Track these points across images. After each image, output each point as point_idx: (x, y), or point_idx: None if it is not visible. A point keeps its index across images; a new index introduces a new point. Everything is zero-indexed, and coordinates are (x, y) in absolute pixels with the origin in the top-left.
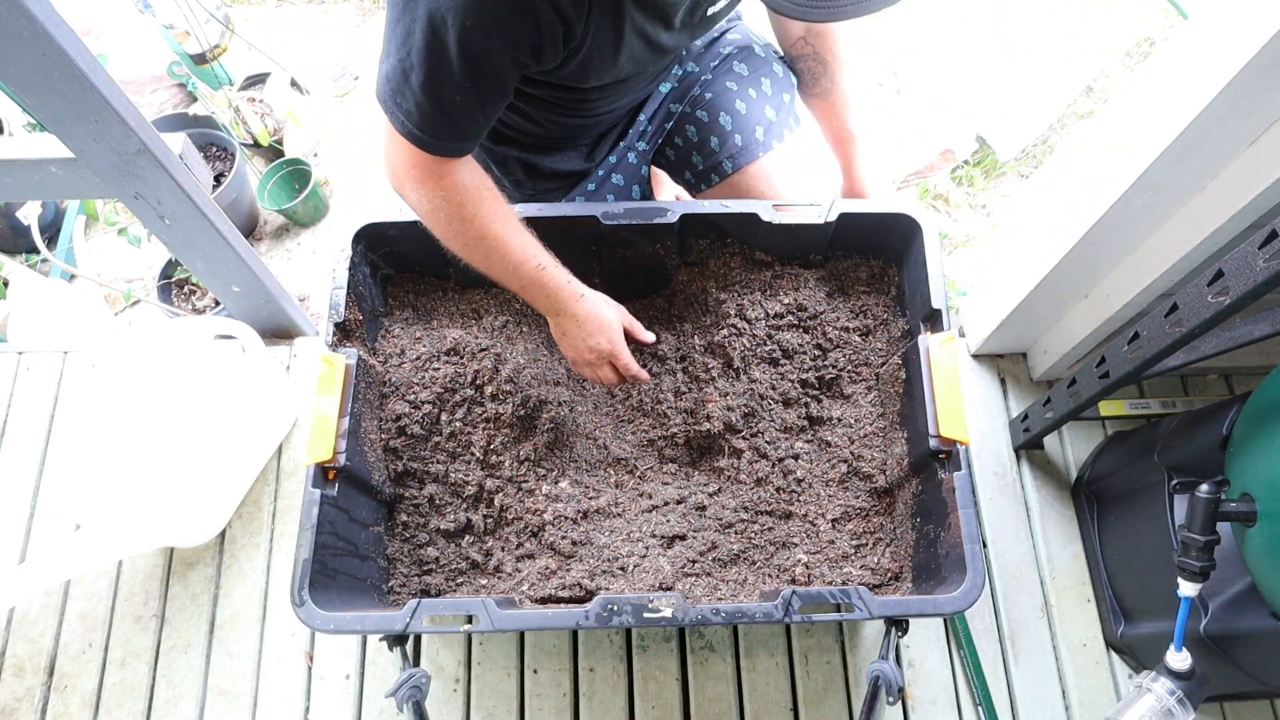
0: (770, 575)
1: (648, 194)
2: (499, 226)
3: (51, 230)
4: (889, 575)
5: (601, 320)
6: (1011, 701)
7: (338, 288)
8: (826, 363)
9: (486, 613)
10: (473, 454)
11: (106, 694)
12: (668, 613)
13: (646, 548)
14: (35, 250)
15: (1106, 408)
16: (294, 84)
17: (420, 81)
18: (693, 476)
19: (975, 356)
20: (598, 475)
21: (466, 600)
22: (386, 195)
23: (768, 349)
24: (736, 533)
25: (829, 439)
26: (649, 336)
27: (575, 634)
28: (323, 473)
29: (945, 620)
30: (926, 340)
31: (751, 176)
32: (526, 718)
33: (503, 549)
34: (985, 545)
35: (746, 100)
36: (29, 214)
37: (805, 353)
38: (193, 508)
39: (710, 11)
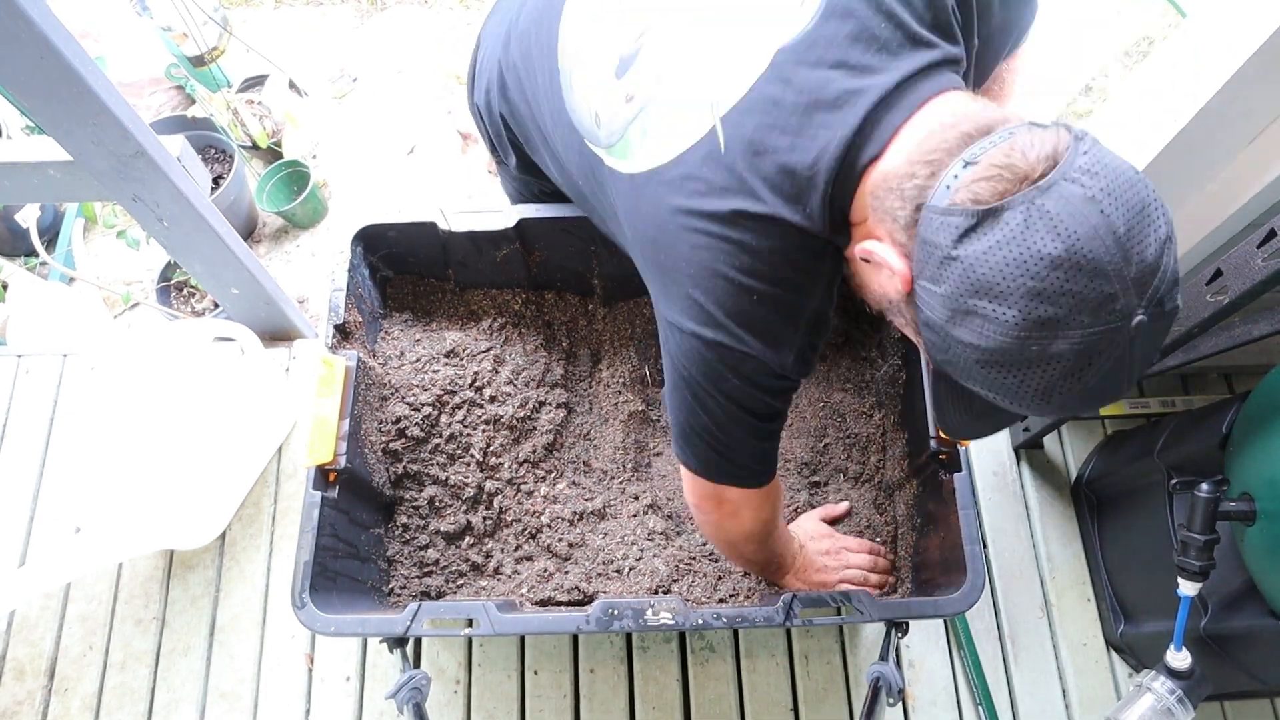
0: None
1: None
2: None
3: (50, 233)
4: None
5: (809, 538)
6: (1012, 701)
7: (337, 289)
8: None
9: (487, 616)
10: (472, 456)
11: (107, 697)
12: (668, 618)
13: (641, 550)
14: (34, 253)
15: (1106, 407)
16: (292, 86)
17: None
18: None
19: None
20: (594, 476)
21: (467, 604)
22: (384, 196)
23: None
24: None
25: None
26: (842, 508)
27: (576, 636)
28: (323, 475)
29: (945, 621)
30: None
31: None
32: (527, 719)
33: (502, 551)
34: (985, 545)
35: None
36: (28, 217)
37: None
38: (192, 510)
39: None
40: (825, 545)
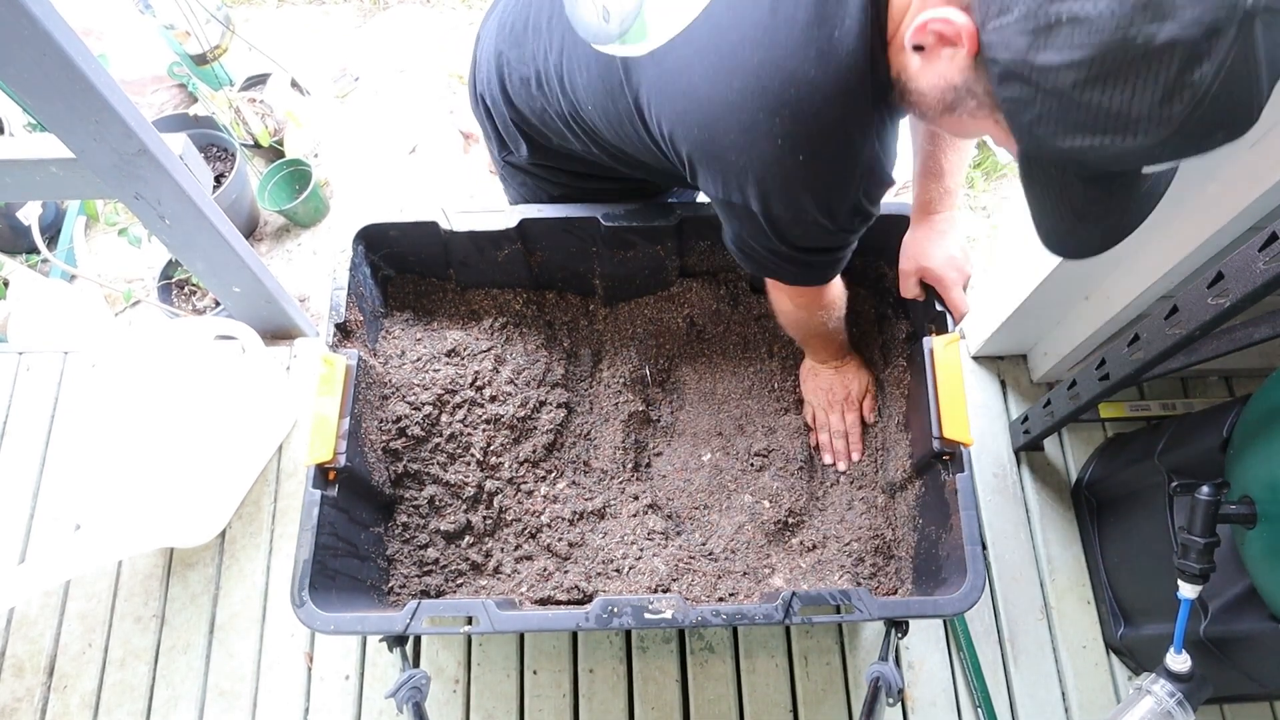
0: (768, 570)
1: None
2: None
3: (52, 230)
4: (889, 576)
5: (863, 371)
6: (1011, 703)
7: (338, 288)
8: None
9: (486, 614)
10: (472, 455)
11: (106, 694)
12: (668, 614)
13: (641, 549)
14: (35, 250)
15: (1106, 410)
16: (294, 85)
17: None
18: (683, 474)
19: (975, 358)
20: (594, 476)
21: (466, 602)
22: (386, 195)
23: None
24: (732, 528)
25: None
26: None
27: (575, 635)
28: (323, 473)
29: (945, 622)
30: (931, 342)
31: None
32: (526, 719)
33: (502, 550)
34: (985, 547)
35: None
36: (29, 214)
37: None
38: (192, 508)
39: None
40: (855, 386)
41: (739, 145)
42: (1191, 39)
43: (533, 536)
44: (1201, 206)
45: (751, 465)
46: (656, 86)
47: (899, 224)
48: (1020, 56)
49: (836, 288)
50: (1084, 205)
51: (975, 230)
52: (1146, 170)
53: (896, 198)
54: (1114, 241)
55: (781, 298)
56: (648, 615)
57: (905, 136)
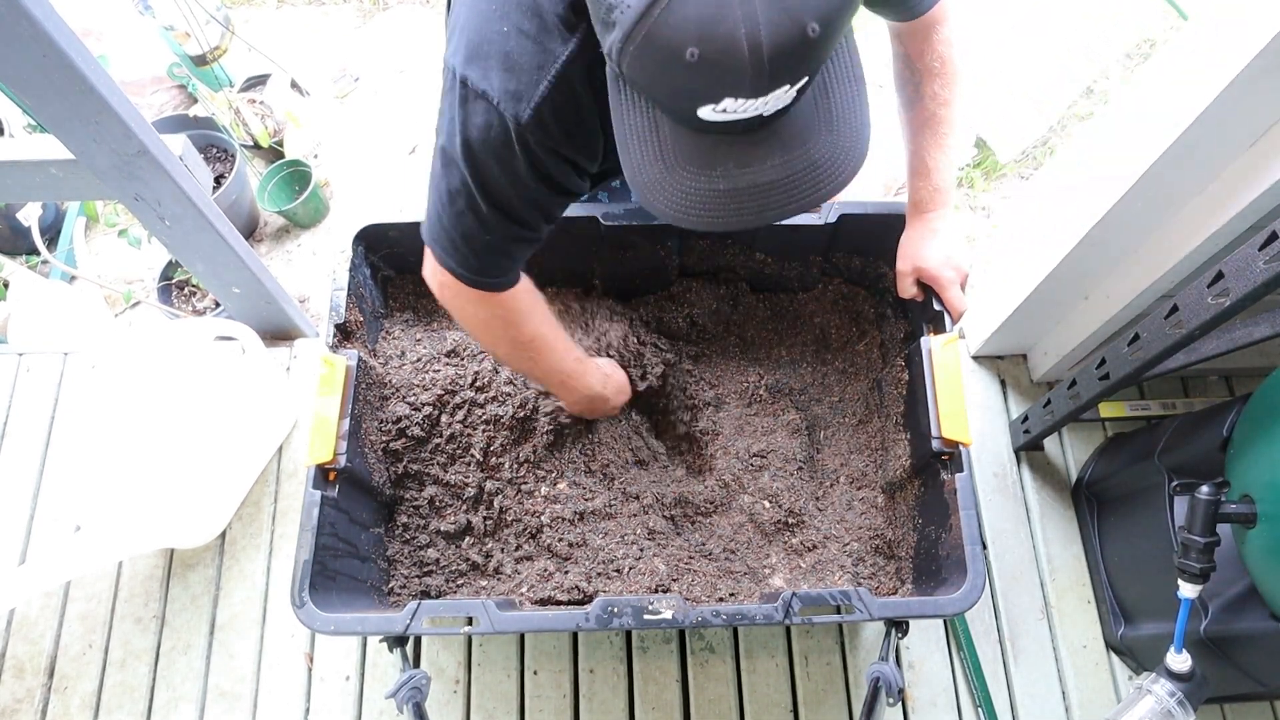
0: (768, 570)
1: None
2: (547, 329)
3: (52, 232)
4: (890, 576)
5: (620, 384)
6: (1011, 703)
7: (338, 289)
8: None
9: (486, 614)
10: (472, 456)
11: (106, 695)
12: (668, 614)
13: (641, 549)
14: (35, 251)
15: (1106, 409)
16: (294, 85)
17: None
18: (683, 474)
19: (975, 358)
20: (594, 476)
21: (467, 602)
22: (386, 196)
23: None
24: (732, 528)
25: (828, 440)
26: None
27: (575, 636)
28: (323, 474)
29: (945, 622)
30: (929, 342)
31: None
32: (526, 719)
33: (502, 550)
34: (985, 547)
35: None
36: (29, 215)
37: (806, 362)
38: (193, 509)
39: None
40: (619, 399)
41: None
42: None
43: (533, 537)
44: (1201, 205)
45: (751, 465)
46: None
47: (897, 223)
48: None
49: (522, 291)
50: (674, 154)
51: (975, 230)
52: (703, 114)
53: (896, 197)
54: (715, 222)
55: (457, 301)
56: (648, 616)
57: (898, 136)
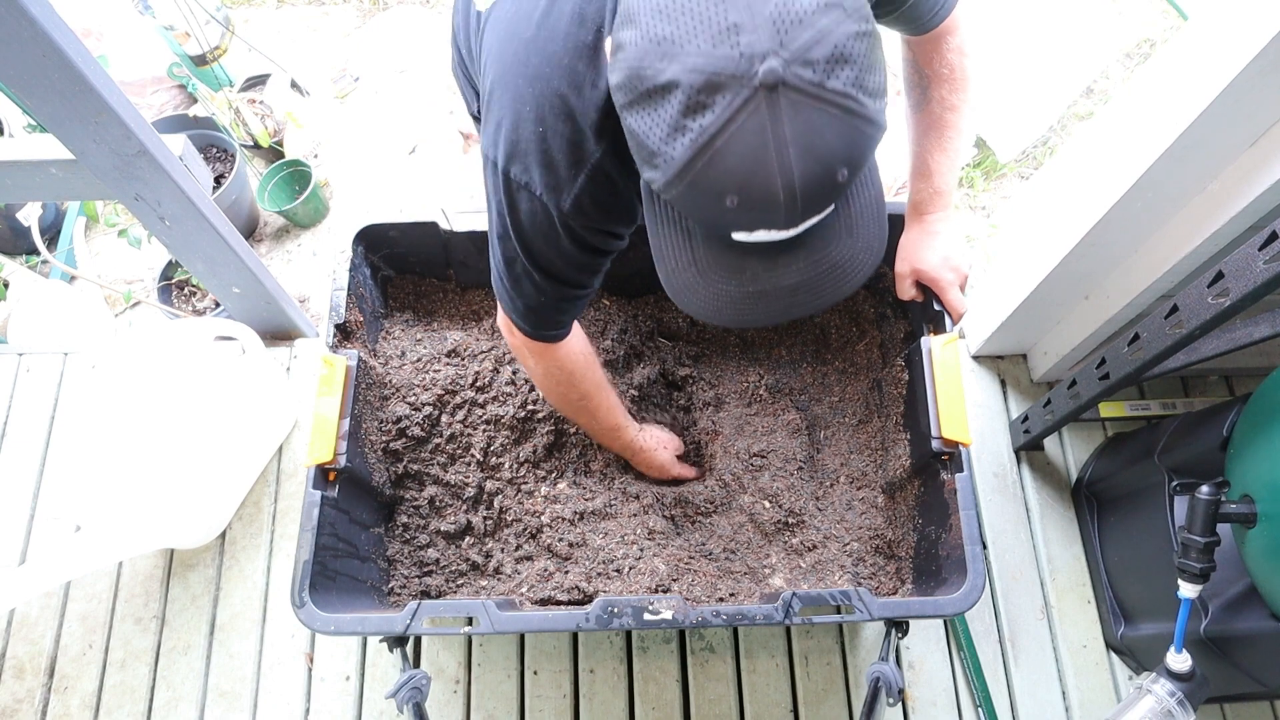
0: (768, 570)
1: None
2: (598, 391)
3: (52, 232)
4: (890, 576)
5: (667, 447)
6: (1011, 703)
7: (338, 289)
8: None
9: (487, 614)
10: (473, 456)
11: (106, 695)
12: (668, 614)
13: (641, 549)
14: (35, 251)
15: (1106, 409)
16: (294, 85)
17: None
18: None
19: (975, 358)
20: (594, 476)
21: (467, 602)
22: (386, 196)
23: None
24: (732, 528)
25: (828, 439)
26: (692, 472)
27: (575, 636)
28: (323, 474)
29: (945, 622)
30: (929, 342)
31: None
32: (526, 719)
33: (502, 550)
34: (985, 547)
35: None
36: (29, 215)
37: (806, 361)
38: (193, 509)
39: None
40: (670, 464)
41: (503, 99)
42: (691, 85)
43: (533, 537)
44: (1201, 205)
45: (751, 465)
46: (488, 46)
47: (897, 224)
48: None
49: (575, 351)
50: (706, 261)
51: (975, 230)
52: (737, 237)
53: (896, 198)
54: (744, 320)
55: (523, 354)
56: (648, 616)
57: (903, 136)
